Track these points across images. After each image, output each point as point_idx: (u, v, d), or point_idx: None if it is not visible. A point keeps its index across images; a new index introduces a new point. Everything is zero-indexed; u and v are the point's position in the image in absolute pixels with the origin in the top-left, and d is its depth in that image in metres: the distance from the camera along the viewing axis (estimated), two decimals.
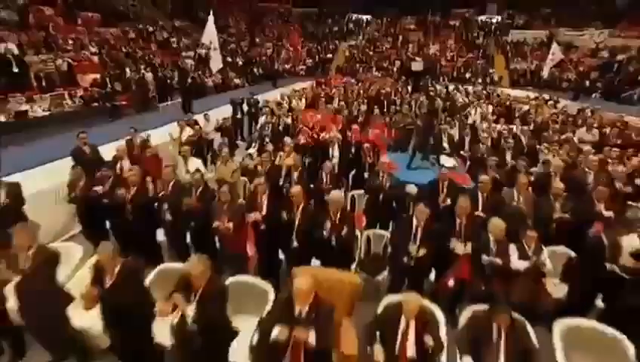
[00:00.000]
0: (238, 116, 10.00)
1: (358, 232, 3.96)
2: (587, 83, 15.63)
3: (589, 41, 20.18)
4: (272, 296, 3.03)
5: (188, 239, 4.03)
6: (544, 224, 3.66)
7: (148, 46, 15.70)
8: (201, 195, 3.76)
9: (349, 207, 4.53)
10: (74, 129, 5.77)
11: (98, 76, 11.07)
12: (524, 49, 21.69)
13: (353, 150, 5.65)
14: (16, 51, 8.88)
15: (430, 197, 3.95)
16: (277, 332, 2.15)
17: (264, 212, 3.52)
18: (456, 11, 26.13)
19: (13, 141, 6.27)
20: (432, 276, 3.63)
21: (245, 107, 10.20)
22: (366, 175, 5.11)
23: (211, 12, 8.05)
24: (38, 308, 2.55)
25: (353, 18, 27.68)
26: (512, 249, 3.10)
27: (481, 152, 5.68)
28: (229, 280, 3.09)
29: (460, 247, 3.16)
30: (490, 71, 19.65)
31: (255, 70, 18.99)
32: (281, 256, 3.88)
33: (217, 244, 3.85)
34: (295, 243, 3.48)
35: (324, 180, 4.57)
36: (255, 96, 10.24)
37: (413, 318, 2.47)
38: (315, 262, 3.54)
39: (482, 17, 25.31)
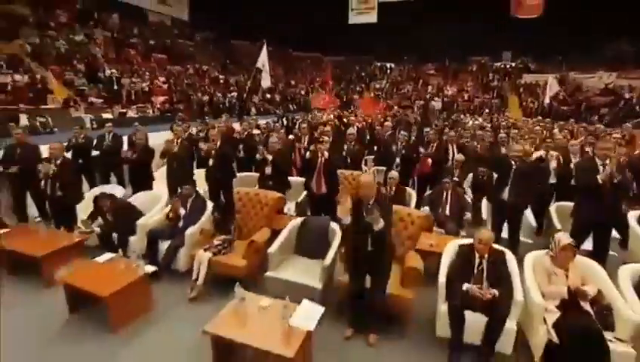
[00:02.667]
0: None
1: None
2: (596, 117, 17.14)
3: (598, 82, 21.77)
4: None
5: None
6: None
7: (202, 80, 18.90)
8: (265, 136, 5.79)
9: None
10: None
11: (167, 98, 13.94)
12: (537, 90, 23.50)
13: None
14: (116, 73, 11.80)
15: None
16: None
17: (305, 143, 5.42)
18: (473, 58, 28.58)
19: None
20: None
21: (285, 121, 12.51)
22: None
23: (265, 42, 10.60)
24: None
25: (378, 65, 30.74)
26: None
27: None
28: None
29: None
30: (504, 110, 21.36)
31: (290, 105, 21.79)
32: None
33: None
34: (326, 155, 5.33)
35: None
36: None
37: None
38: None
39: (498, 63, 27.55)
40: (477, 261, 2.79)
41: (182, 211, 3.80)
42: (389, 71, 30.26)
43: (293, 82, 27.11)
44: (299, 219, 3.57)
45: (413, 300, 2.94)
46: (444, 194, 4.41)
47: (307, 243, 3.41)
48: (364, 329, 2.85)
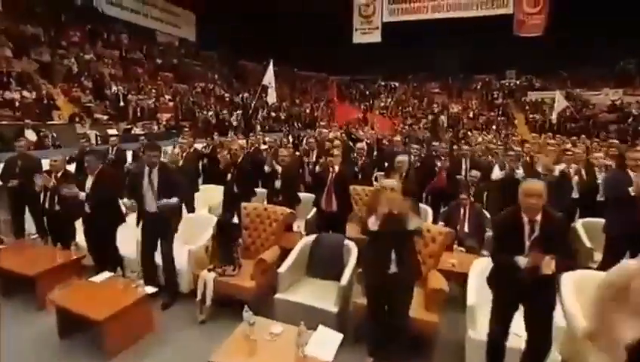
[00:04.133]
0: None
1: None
2: (604, 133, 16.96)
3: (604, 99, 21.70)
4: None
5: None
6: None
7: (208, 98, 19.01)
8: (273, 152, 5.60)
9: None
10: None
11: (172, 115, 13.95)
12: (543, 107, 23.43)
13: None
14: (122, 91, 11.84)
15: None
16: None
17: (314, 158, 5.22)
18: (477, 77, 28.70)
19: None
20: None
21: (291, 138, 12.39)
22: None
23: (272, 60, 10.65)
24: None
25: (383, 84, 30.97)
26: None
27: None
28: None
29: None
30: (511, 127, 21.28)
31: (295, 124, 21.81)
32: None
33: None
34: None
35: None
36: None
37: (539, 215, 2.14)
38: None
39: (502, 81, 27.64)
40: (527, 228, 2.17)
41: None
42: (393, 89, 30.45)
43: (298, 101, 27.29)
44: (310, 237, 3.33)
45: (438, 324, 2.67)
46: (462, 210, 4.16)
47: (320, 262, 3.16)
48: (386, 357, 2.57)
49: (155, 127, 11.57)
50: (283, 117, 22.25)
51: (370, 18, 23.13)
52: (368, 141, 6.99)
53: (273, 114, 21.53)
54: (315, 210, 4.44)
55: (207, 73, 23.68)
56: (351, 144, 7.19)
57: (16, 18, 13.12)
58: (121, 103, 11.60)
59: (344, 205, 4.11)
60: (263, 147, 9.77)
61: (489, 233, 3.99)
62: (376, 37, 22.91)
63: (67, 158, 4.91)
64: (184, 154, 4.62)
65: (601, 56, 22.34)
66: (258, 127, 16.67)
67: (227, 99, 20.35)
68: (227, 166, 4.37)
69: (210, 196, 4.69)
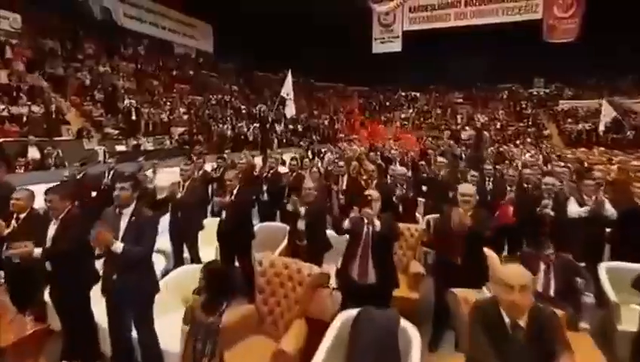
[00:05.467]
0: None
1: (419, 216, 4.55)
2: None
3: None
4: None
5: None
6: None
7: (225, 110, 18.48)
8: (295, 177, 4.71)
9: None
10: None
11: (186, 128, 13.36)
12: (577, 115, 21.98)
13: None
14: (134, 104, 11.30)
15: None
16: None
17: (344, 186, 4.31)
18: (502, 86, 27.41)
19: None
20: None
21: (310, 155, 11.57)
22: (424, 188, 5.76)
23: (289, 70, 9.92)
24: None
25: (403, 94, 29.98)
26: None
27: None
28: None
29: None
30: (544, 132, 20.00)
31: (314, 136, 21.04)
32: None
33: None
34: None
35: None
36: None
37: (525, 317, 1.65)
38: None
39: (530, 90, 26.26)
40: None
41: None
42: (414, 99, 29.42)
43: (316, 112, 26.58)
44: (350, 313, 2.35)
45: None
46: (544, 266, 3.09)
47: (366, 353, 2.18)
48: None
49: (168, 142, 10.93)
50: (301, 129, 21.57)
51: (390, 27, 22.35)
52: (405, 161, 6.04)
53: (291, 126, 20.86)
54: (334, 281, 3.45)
55: (224, 84, 23.34)
56: (382, 164, 6.26)
57: (36, 33, 12.95)
58: (133, 117, 11.03)
59: (387, 275, 2.83)
60: (283, 170, 9.05)
61: (590, 297, 2.94)
62: (396, 46, 22.05)
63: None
64: (186, 184, 3.76)
65: (637, 60, 20.85)
66: (275, 141, 15.96)
67: (244, 111, 19.80)
68: (223, 205, 3.49)
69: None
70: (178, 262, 3.69)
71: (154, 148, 9.99)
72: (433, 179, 4.89)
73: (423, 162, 5.92)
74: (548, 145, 15.73)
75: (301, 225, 3.14)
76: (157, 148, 10.13)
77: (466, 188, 2.98)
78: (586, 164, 7.01)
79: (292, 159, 5.05)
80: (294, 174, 4.78)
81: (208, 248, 3.97)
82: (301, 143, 16.24)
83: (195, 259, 3.70)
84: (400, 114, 26.87)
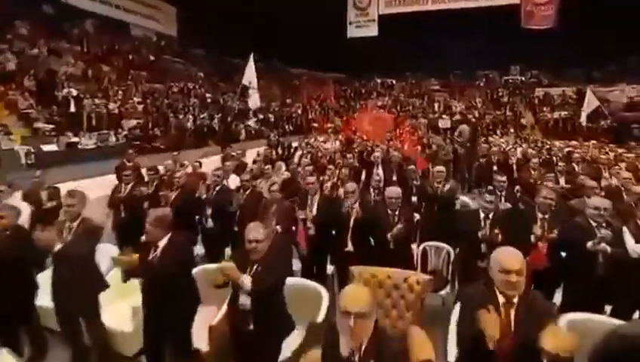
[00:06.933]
0: (274, 157, 10.14)
1: (414, 246, 3.56)
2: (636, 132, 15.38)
3: (620, 96, 20.09)
4: (326, 298, 2.61)
5: (227, 250, 3.75)
6: None
7: (187, 99, 16.84)
8: (249, 196, 3.53)
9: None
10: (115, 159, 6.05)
11: (141, 121, 11.79)
12: (552, 102, 21.82)
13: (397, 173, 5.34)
14: (74, 93, 9.66)
15: None
16: None
17: (314, 211, 3.22)
18: (479, 72, 26.97)
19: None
20: None
21: (280, 150, 10.36)
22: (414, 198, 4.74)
23: (252, 54, 8.61)
24: (70, 282, 2.25)
25: (379, 81, 29.00)
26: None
27: (533, 177, 5.27)
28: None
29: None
30: (522, 120, 19.74)
31: (286, 126, 19.74)
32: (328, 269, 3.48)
33: None
34: (350, 246, 3.09)
35: (372, 196, 4.25)
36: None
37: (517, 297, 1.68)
38: None
39: (506, 77, 25.97)
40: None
41: None
42: (390, 87, 28.54)
43: (289, 101, 25.19)
44: None
45: None
46: None
47: None
48: None
49: (114, 138, 9.41)
50: (272, 119, 20.20)
51: (365, 10, 21.34)
52: (389, 160, 4.93)
53: (262, 116, 19.46)
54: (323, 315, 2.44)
55: (190, 71, 21.53)
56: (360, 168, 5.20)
57: None
58: (72, 108, 9.39)
59: None
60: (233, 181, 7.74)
61: None
62: (372, 30, 21.07)
63: None
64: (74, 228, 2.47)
65: (612, 50, 20.81)
66: (243, 133, 14.62)
67: (209, 100, 18.19)
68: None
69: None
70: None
71: (95, 147, 8.49)
72: (435, 198, 3.83)
73: (412, 166, 4.90)
74: (530, 136, 15.24)
75: (245, 299, 2.00)
76: (99, 145, 8.62)
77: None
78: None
79: (245, 173, 3.82)
80: (248, 193, 3.64)
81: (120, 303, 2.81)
82: (271, 136, 14.99)
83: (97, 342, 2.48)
84: (376, 101, 25.92)
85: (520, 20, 18.81)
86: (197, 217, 3.76)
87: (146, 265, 2.05)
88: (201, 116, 13.86)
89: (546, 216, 2.78)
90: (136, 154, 5.21)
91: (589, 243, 2.44)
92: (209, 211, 3.55)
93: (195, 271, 2.48)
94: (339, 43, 21.96)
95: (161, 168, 4.84)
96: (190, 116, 13.78)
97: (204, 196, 3.52)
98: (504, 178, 3.73)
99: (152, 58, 19.54)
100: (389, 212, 3.03)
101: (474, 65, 26.22)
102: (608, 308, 2.65)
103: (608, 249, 2.41)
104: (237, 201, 3.39)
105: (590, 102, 11.99)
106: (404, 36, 23.12)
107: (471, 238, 2.73)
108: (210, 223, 3.58)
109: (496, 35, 22.41)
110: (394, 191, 3.01)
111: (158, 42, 22.83)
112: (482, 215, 2.77)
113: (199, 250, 3.88)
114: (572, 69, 23.46)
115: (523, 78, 25.47)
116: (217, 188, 3.62)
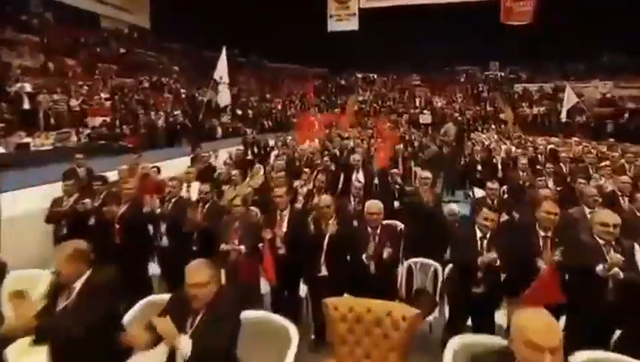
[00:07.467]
0: (249, 157, 9.62)
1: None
2: (610, 127, 15.54)
3: (594, 92, 20.43)
4: (296, 339, 2.19)
5: None
6: None
7: (160, 95, 16.01)
8: (208, 212, 3.05)
9: None
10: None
11: (108, 119, 11.02)
12: (531, 97, 22.03)
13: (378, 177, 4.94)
14: (28, 89, 8.84)
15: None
16: None
17: (284, 229, 2.78)
18: (460, 68, 27.03)
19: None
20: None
21: (256, 149, 9.85)
22: (396, 203, 4.36)
23: (224, 48, 8.04)
24: None
25: (360, 76, 28.66)
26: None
27: (523, 179, 5.00)
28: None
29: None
30: (501, 116, 19.88)
31: (265, 122, 19.12)
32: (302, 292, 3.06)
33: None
34: (324, 271, 2.68)
35: (353, 205, 3.84)
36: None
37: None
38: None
39: (486, 73, 26.13)
40: None
41: None
42: (372, 82, 28.26)
43: (268, 96, 24.53)
44: None
45: None
46: None
47: None
48: None
49: (75, 138, 8.66)
50: (251, 115, 19.53)
51: (346, 3, 20.87)
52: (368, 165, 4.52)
53: (240, 112, 18.78)
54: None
55: (164, 65, 20.57)
56: (340, 172, 4.80)
57: None
58: (26, 105, 8.57)
59: None
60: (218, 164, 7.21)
61: None
62: (352, 24, 20.65)
63: None
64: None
65: (586, 46, 21.17)
66: (219, 131, 13.96)
67: (184, 95, 17.38)
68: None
69: None
70: None
71: (53, 147, 7.75)
72: (421, 208, 3.44)
73: (395, 170, 4.52)
74: (512, 133, 15.21)
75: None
76: (58, 146, 7.88)
77: None
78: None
79: (204, 185, 3.29)
80: (208, 206, 3.15)
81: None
82: (247, 133, 14.35)
83: None
84: (357, 97, 25.60)
85: (499, 16, 18.86)
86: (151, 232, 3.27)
87: (52, 320, 1.57)
88: (175, 113, 13.13)
89: (549, 234, 2.44)
90: (85, 161, 4.60)
91: (599, 268, 2.11)
92: (163, 227, 3.07)
93: (126, 319, 1.99)
94: (320, 37, 21.47)
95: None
96: (162, 113, 13.04)
97: (158, 211, 3.04)
98: (495, 185, 3.41)
99: (122, 51, 18.54)
100: (370, 230, 2.61)
101: (454, 60, 26.28)
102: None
103: (621, 274, 2.09)
104: (193, 217, 2.91)
105: (570, 98, 11.99)
106: (386, 31, 22.92)
107: (465, 262, 2.35)
108: (165, 241, 3.10)
109: (477, 31, 22.55)
110: (375, 206, 2.60)
111: (130, 34, 21.75)
112: (479, 233, 2.41)
113: (155, 269, 3.40)
114: (548, 64, 23.80)
115: (502, 74, 25.65)
116: (173, 200, 3.14)
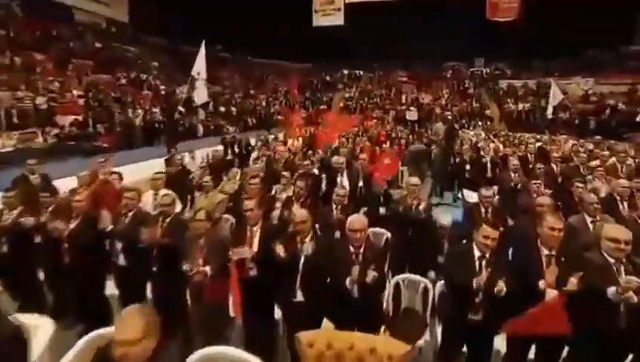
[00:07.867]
0: (229, 157, 9.22)
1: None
2: (592, 124, 15.65)
3: (576, 88, 20.62)
4: None
5: (148, 291, 2.92)
6: None
7: (139, 92, 15.35)
8: (169, 226, 2.68)
9: None
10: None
11: (80, 117, 10.40)
12: (516, 93, 22.14)
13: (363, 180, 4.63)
14: None
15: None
16: None
17: (255, 248, 2.44)
18: (446, 64, 26.97)
19: None
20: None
21: (237, 149, 9.45)
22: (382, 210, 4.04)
23: (203, 42, 7.60)
24: None
25: (346, 72, 28.31)
26: None
27: (515, 181, 4.77)
28: (200, 353, 1.92)
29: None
30: (487, 112, 19.88)
31: (248, 119, 18.65)
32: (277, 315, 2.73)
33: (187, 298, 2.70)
34: (299, 296, 2.34)
35: (334, 212, 3.50)
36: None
37: None
38: (327, 325, 2.40)
39: (472, 69, 26.14)
40: None
41: None
42: (357, 78, 27.96)
43: (252, 92, 24.01)
44: None
45: None
46: None
47: None
48: None
49: (41, 139, 8.09)
50: (234, 112, 19.01)
51: None
52: (353, 168, 4.18)
53: (223, 109, 18.25)
54: None
55: (143, 61, 19.80)
56: (322, 176, 4.48)
57: None
58: None
59: None
60: (194, 168, 6.79)
61: None
62: (338, 19, 20.25)
63: None
64: None
65: (569, 42, 21.33)
66: (200, 128, 13.46)
67: (163, 92, 16.74)
68: None
69: None
70: None
71: (14, 149, 7.19)
72: (410, 220, 3.12)
73: (377, 175, 4.22)
74: (500, 131, 15.17)
75: None
76: (20, 148, 7.32)
77: None
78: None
79: (165, 196, 2.89)
80: (169, 220, 2.77)
81: None
82: (228, 131, 13.88)
83: None
84: (344, 93, 25.30)
85: (485, 12, 18.76)
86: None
87: None
88: (153, 110, 12.56)
89: (553, 253, 2.18)
90: (38, 166, 4.13)
91: (611, 292, 1.86)
92: (119, 245, 2.70)
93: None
94: (305, 33, 21.04)
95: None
96: (140, 111, 12.45)
97: (110, 227, 2.65)
98: (490, 192, 3.13)
99: (98, 45, 17.74)
100: (352, 249, 2.27)
101: (440, 56, 26.19)
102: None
103: (635, 298, 1.83)
104: (151, 232, 2.54)
105: (555, 95, 11.93)
106: (371, 27, 22.66)
107: (462, 286, 2.06)
108: (122, 260, 2.72)
109: (462, 27, 22.51)
110: (359, 221, 2.27)
111: (108, 28, 20.88)
112: (477, 253, 2.12)
113: (112, 288, 3.02)
114: (532, 60, 23.95)
115: (487, 70, 25.69)
116: (130, 214, 2.77)
